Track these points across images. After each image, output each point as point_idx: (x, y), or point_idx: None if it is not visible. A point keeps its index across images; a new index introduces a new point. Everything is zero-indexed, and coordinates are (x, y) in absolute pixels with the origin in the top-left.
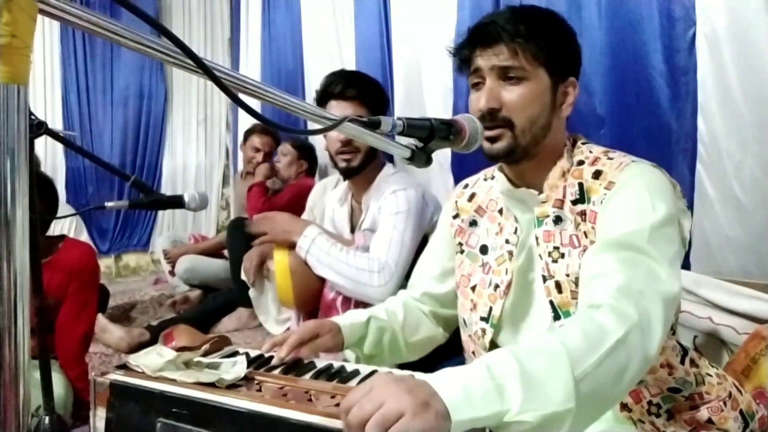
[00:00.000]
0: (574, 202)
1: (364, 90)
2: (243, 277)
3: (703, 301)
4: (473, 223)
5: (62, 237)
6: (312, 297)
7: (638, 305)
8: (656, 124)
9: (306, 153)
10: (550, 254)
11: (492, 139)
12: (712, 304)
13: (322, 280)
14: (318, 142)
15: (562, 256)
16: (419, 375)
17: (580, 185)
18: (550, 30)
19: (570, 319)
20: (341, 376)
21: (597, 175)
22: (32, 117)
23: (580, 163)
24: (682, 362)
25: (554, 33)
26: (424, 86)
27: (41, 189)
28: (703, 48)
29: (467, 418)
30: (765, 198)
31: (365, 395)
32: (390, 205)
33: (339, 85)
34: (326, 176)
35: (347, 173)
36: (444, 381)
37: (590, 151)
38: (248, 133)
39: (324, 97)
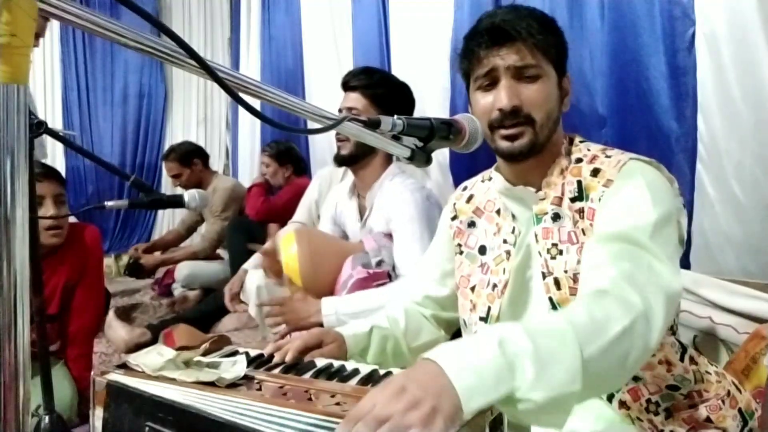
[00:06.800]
0: (573, 200)
1: (368, 83)
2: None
3: (703, 301)
4: (471, 224)
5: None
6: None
7: (642, 296)
8: (656, 124)
9: (286, 157)
10: (548, 251)
11: (513, 138)
12: (712, 303)
13: (333, 284)
14: (302, 140)
15: (561, 252)
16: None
17: (579, 183)
18: (552, 27)
19: (576, 302)
20: (341, 375)
21: (595, 173)
22: (32, 117)
23: (579, 161)
24: (681, 359)
25: (555, 30)
26: (422, 86)
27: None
28: (702, 48)
29: (479, 405)
30: (764, 198)
31: (369, 413)
32: (401, 213)
33: (346, 77)
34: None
35: (337, 161)
36: (456, 366)
37: (588, 149)
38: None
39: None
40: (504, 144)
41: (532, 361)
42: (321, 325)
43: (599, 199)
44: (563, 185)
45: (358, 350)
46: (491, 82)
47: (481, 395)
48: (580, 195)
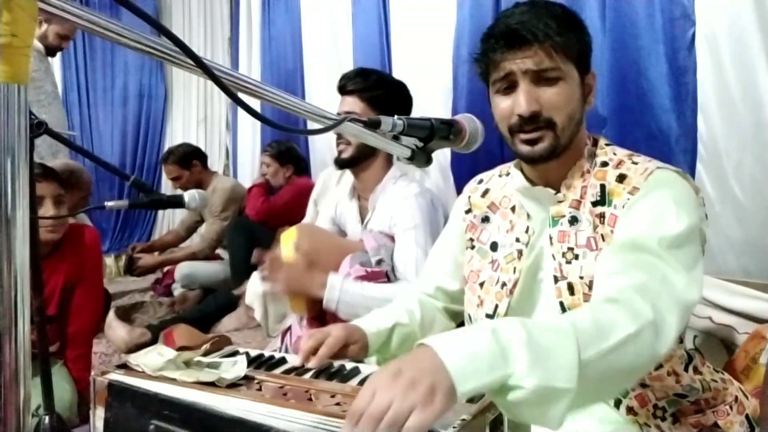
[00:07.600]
0: (595, 204)
1: (365, 86)
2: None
3: (703, 301)
4: (485, 219)
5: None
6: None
7: (654, 305)
8: (656, 124)
9: (286, 157)
10: (563, 255)
11: (533, 142)
12: (712, 304)
13: None
14: (302, 140)
15: (576, 257)
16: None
17: (602, 187)
18: (573, 24)
19: (583, 308)
20: (341, 375)
21: (621, 179)
22: (32, 117)
23: (604, 164)
24: (686, 370)
25: (577, 26)
26: (423, 86)
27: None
28: (702, 48)
29: (472, 387)
30: (764, 198)
31: (370, 401)
32: (405, 219)
33: (342, 80)
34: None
35: (338, 164)
36: (449, 347)
37: (614, 153)
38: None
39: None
40: (524, 148)
41: (525, 348)
42: (319, 298)
43: (623, 207)
44: (583, 188)
45: (378, 346)
46: (509, 85)
47: (474, 378)
48: (603, 200)
